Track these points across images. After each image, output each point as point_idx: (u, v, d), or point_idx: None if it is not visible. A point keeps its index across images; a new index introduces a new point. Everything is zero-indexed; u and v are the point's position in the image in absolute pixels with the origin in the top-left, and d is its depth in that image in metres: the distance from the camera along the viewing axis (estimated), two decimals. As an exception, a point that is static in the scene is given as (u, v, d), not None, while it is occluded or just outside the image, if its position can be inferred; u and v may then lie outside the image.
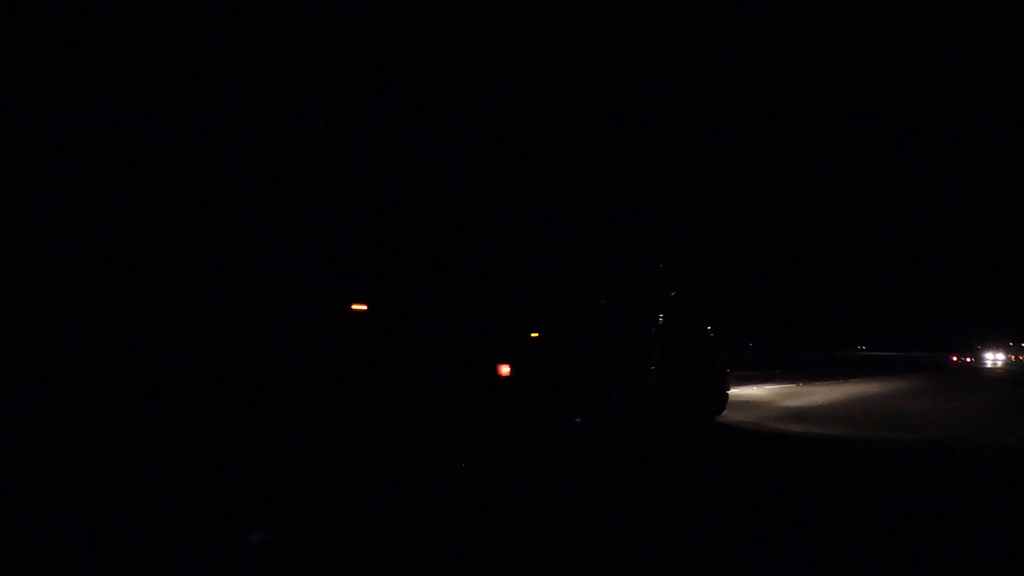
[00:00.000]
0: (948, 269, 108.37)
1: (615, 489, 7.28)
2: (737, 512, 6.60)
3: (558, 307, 8.10)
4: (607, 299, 9.17)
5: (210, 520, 5.25)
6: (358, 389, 6.07)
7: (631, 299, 9.80)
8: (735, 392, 15.96)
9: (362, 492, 5.98)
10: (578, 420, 8.51)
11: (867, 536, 6.08)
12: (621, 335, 9.39)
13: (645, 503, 6.82)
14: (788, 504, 7.04)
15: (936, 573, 5.27)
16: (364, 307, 6.22)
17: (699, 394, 11.58)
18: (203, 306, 5.30)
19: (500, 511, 6.27)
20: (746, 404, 15.88)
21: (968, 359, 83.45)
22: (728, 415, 12.99)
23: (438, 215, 6.70)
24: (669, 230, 10.60)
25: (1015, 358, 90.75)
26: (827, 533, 6.09)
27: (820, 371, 31.09)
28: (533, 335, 7.71)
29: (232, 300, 5.41)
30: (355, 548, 5.27)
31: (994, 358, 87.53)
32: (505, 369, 7.30)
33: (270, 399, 5.59)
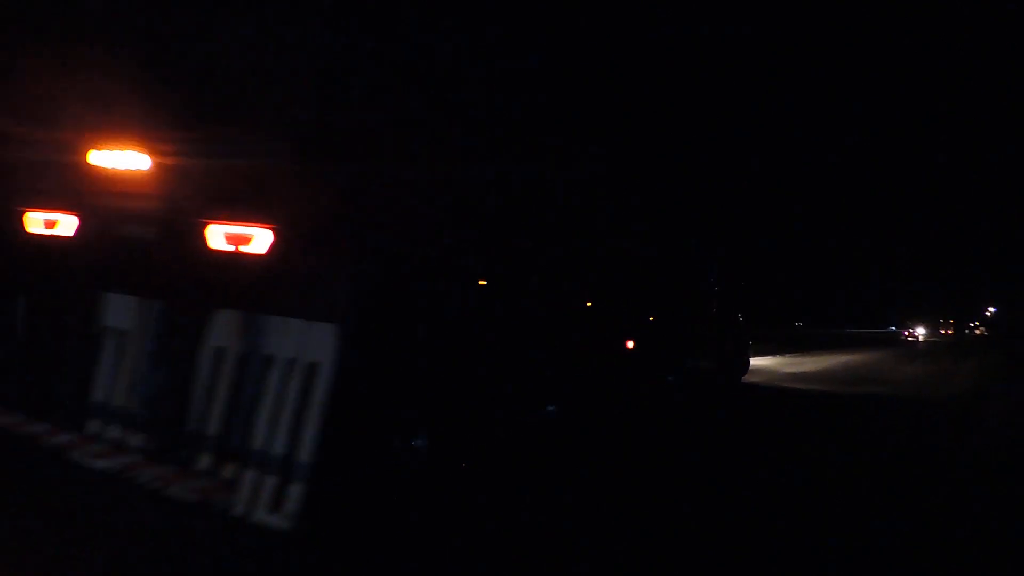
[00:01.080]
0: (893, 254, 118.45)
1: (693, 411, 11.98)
2: (759, 430, 11.39)
3: (660, 302, 12.58)
4: (688, 294, 13.68)
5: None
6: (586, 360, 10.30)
7: (700, 293, 14.36)
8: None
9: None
10: (670, 378, 13.08)
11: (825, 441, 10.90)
12: (695, 319, 13.96)
13: (712, 421, 11.53)
14: (791, 426, 11.88)
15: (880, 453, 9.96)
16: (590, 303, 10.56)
17: (735, 361, 16.21)
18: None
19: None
20: (756, 370, 20.62)
21: (908, 333, 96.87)
22: (746, 377, 17.74)
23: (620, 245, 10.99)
24: (720, 239, 15.13)
25: (945, 332, 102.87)
26: (809, 441, 10.86)
27: (799, 346, 36.28)
28: (649, 319, 12.21)
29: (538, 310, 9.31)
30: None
31: (915, 333, 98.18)
32: (630, 344, 11.73)
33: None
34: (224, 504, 5.72)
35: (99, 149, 5.88)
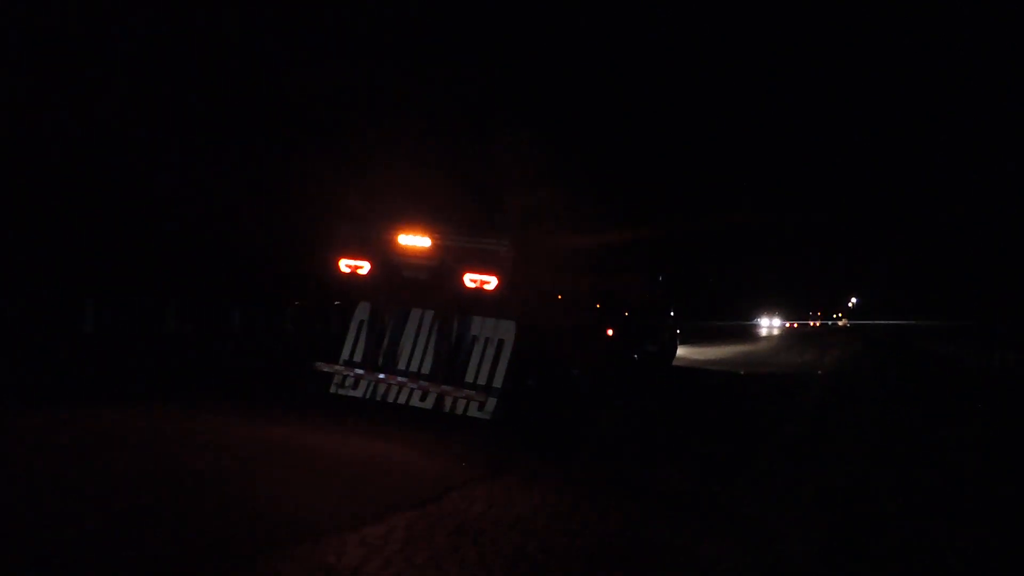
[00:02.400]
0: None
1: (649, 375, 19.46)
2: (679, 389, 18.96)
3: (632, 303, 19.81)
4: (646, 299, 20.98)
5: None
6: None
7: (652, 298, 21.67)
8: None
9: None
10: (635, 356, 20.44)
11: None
12: (653, 316, 21.33)
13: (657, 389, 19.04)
14: (698, 388, 19.42)
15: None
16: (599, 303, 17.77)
17: (670, 346, 23.71)
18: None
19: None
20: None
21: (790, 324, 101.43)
22: (668, 360, 25.23)
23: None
24: (669, 259, 22.58)
25: (790, 325, 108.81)
26: (711, 397, 18.46)
27: (696, 338, 43.82)
28: (625, 315, 19.43)
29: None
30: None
31: (770, 324, 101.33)
32: (609, 332, 18.97)
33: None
34: (451, 408, 12.79)
35: (404, 234, 12.86)
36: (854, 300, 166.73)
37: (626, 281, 18.45)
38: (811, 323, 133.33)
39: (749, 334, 62.23)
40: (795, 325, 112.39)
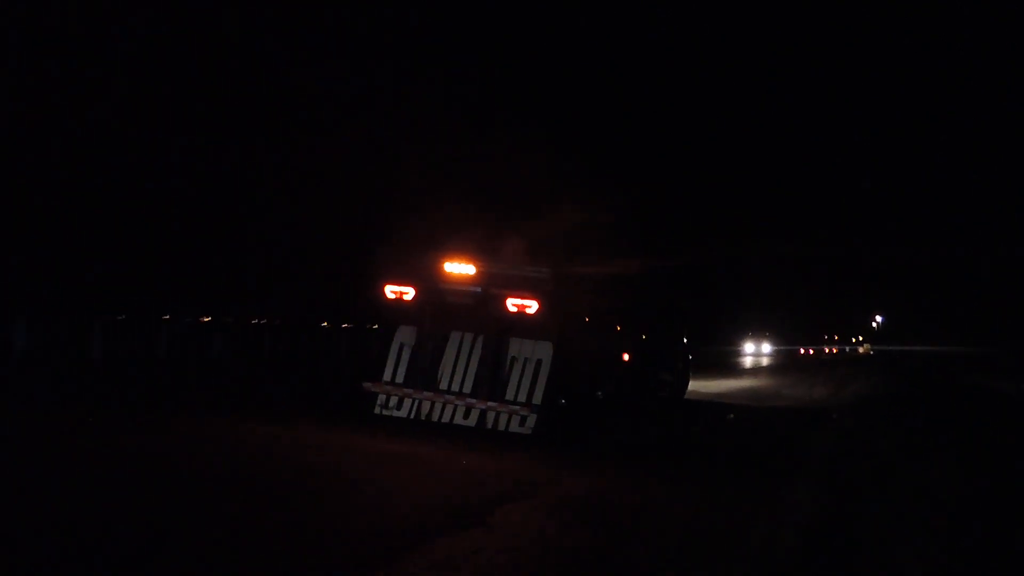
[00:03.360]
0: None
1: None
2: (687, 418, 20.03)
3: (649, 332, 21.03)
4: (662, 328, 22.15)
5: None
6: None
7: (668, 327, 22.80)
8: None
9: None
10: (651, 384, 21.62)
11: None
12: (668, 346, 22.50)
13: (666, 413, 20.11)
14: (708, 418, 20.43)
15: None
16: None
17: (684, 376, 24.63)
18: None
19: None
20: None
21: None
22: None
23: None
24: (685, 294, 23.73)
25: (804, 352, 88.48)
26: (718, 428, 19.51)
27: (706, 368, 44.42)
28: (643, 339, 20.58)
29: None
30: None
31: (757, 351, 79.06)
32: (626, 356, 20.15)
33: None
34: (493, 424, 13.99)
35: (450, 262, 14.14)
36: (879, 320, 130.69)
37: (644, 307, 19.67)
38: (826, 349, 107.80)
39: (751, 363, 56.95)
40: (810, 352, 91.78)
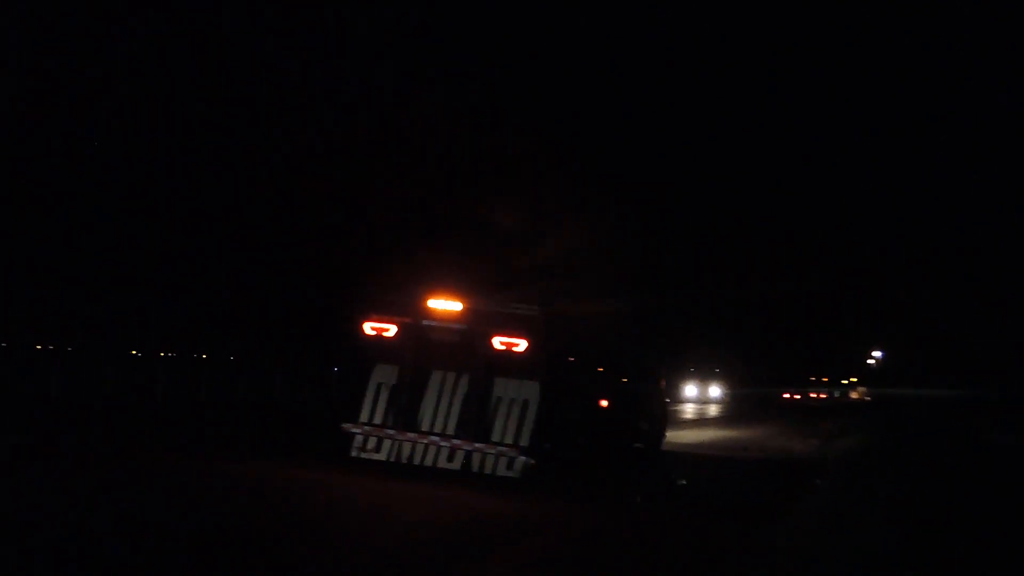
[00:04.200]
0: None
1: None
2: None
3: (628, 375, 20.69)
4: (643, 375, 21.74)
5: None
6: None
7: (650, 373, 22.37)
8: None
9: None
10: (629, 434, 21.18)
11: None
12: (646, 391, 22.08)
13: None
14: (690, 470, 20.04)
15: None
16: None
17: (662, 424, 23.93)
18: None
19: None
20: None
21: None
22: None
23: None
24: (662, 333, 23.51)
25: (789, 397, 78.91)
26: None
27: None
28: (622, 383, 20.23)
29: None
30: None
31: (702, 395, 64.01)
32: (604, 402, 19.83)
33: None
34: (479, 467, 13.70)
35: (435, 298, 13.89)
36: (877, 355, 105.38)
37: (624, 347, 19.40)
38: (812, 394, 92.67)
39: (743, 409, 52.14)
40: (795, 397, 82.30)
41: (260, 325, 26.71)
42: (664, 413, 23.05)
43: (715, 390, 65.58)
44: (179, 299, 26.13)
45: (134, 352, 23.64)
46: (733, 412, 48.77)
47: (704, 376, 67.09)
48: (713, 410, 50.31)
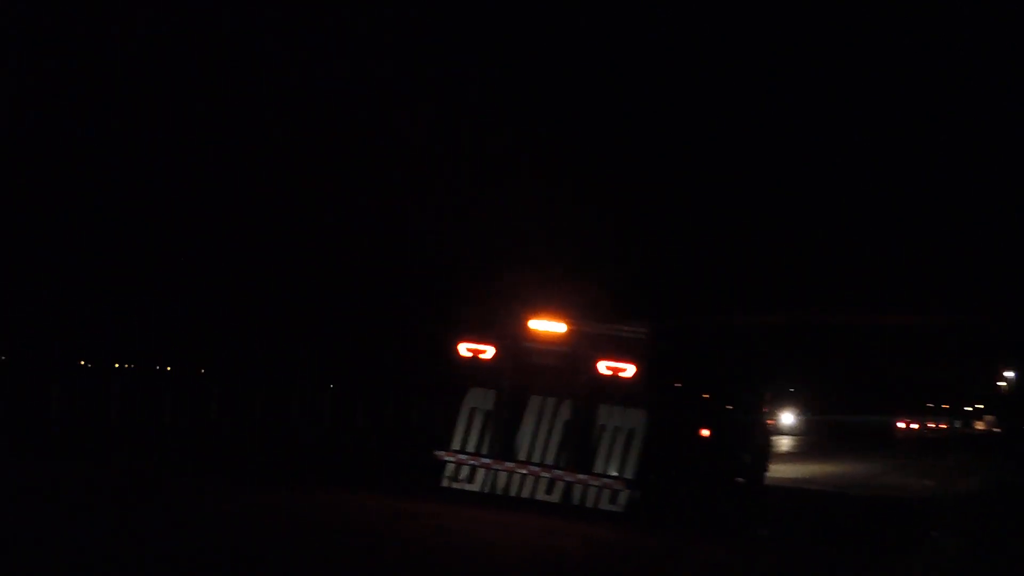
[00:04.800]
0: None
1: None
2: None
3: (732, 401, 19.29)
4: (747, 401, 20.27)
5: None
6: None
7: (753, 399, 20.93)
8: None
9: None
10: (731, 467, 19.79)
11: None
12: (749, 419, 20.63)
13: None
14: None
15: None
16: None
17: (762, 458, 22.34)
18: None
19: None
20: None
21: None
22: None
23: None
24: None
25: (905, 426, 69.67)
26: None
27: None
28: (726, 410, 18.89)
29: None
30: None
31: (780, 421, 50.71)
32: (705, 431, 18.63)
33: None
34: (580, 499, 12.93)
35: (538, 319, 13.16)
36: (1009, 377, 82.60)
37: (728, 370, 18.16)
38: (931, 424, 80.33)
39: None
40: (912, 427, 72.63)
41: (341, 345, 26.39)
42: (767, 444, 21.58)
43: (787, 417, 53.99)
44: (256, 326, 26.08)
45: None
46: (829, 444, 44.73)
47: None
48: (786, 442, 43.66)
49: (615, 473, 13.35)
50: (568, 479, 13.36)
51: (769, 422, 22.10)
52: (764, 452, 20.64)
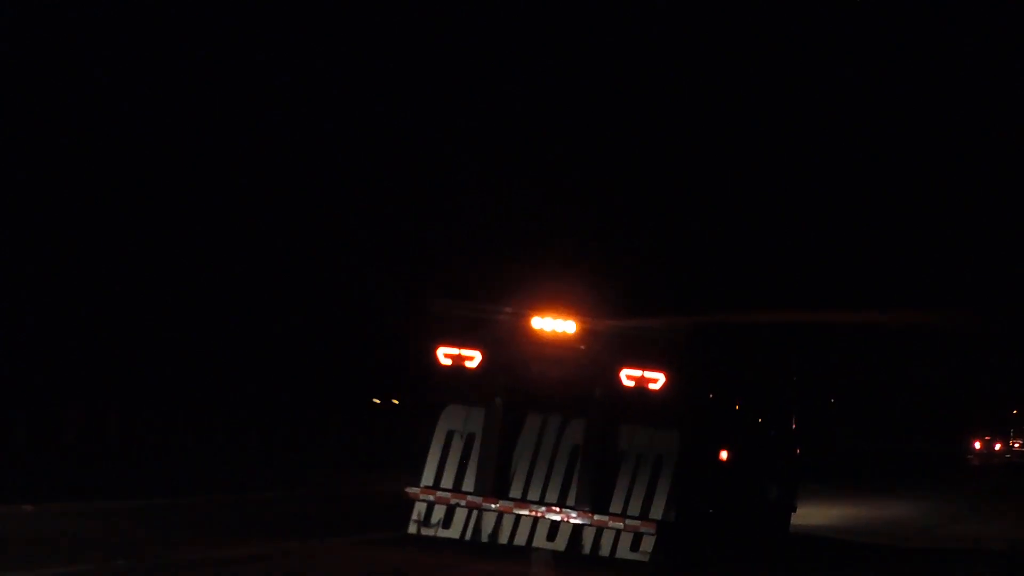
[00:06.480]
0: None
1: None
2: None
3: (764, 418, 16.32)
4: (777, 418, 17.21)
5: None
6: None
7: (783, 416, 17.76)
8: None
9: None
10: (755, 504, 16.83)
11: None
12: (778, 441, 17.48)
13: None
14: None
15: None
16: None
17: (789, 493, 18.99)
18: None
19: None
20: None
21: None
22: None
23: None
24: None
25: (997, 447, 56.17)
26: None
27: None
28: (757, 426, 16.03)
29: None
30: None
31: None
32: (724, 454, 15.58)
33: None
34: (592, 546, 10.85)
35: (540, 316, 10.55)
36: None
37: (764, 379, 15.34)
38: (1001, 445, 66.51)
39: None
40: (994, 447, 61.07)
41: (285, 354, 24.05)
42: (797, 474, 17.37)
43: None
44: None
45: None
46: (878, 474, 37.72)
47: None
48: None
49: (636, 512, 10.91)
50: (577, 521, 11.03)
51: (799, 447, 17.45)
52: (792, 485, 16.80)
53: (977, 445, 54.79)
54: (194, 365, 23.87)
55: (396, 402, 24.11)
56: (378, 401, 24.30)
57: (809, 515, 18.95)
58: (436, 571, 10.55)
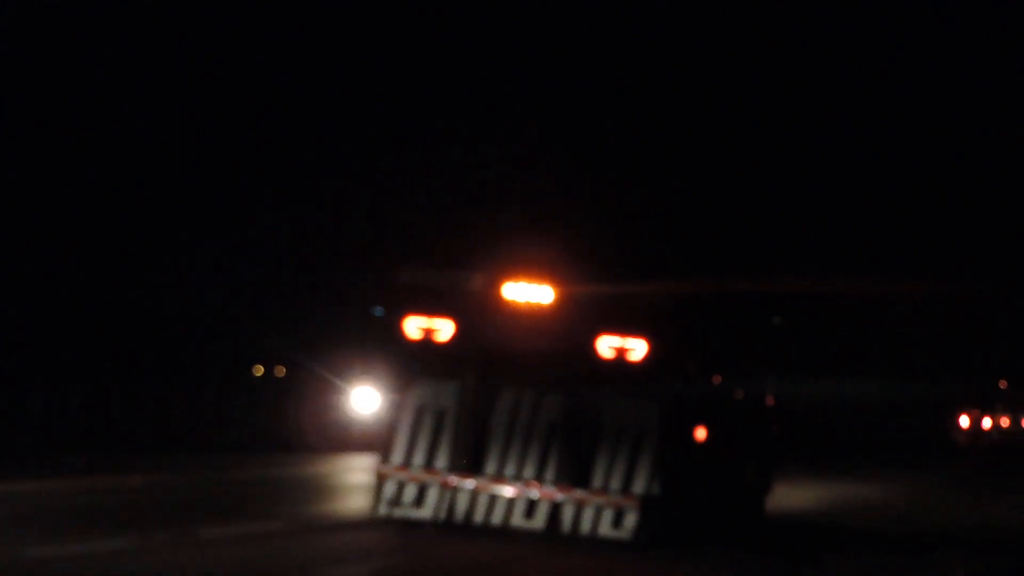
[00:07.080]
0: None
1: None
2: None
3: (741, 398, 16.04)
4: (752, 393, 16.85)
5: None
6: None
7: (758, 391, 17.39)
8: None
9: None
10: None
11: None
12: (753, 417, 17.03)
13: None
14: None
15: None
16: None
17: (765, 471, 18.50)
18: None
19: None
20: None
21: None
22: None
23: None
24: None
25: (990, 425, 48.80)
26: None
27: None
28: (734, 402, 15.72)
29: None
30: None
31: None
32: (701, 432, 15.43)
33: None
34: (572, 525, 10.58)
35: (514, 282, 10.08)
36: None
37: (739, 349, 14.79)
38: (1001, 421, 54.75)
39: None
40: (981, 425, 50.77)
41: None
42: (774, 451, 16.24)
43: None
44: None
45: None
46: (856, 452, 34.32)
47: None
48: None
49: (618, 487, 10.63)
50: (556, 497, 10.76)
51: (777, 422, 16.49)
52: (768, 464, 15.76)
53: (964, 422, 47.53)
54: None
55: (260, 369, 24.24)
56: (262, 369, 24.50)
57: (786, 496, 17.59)
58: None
